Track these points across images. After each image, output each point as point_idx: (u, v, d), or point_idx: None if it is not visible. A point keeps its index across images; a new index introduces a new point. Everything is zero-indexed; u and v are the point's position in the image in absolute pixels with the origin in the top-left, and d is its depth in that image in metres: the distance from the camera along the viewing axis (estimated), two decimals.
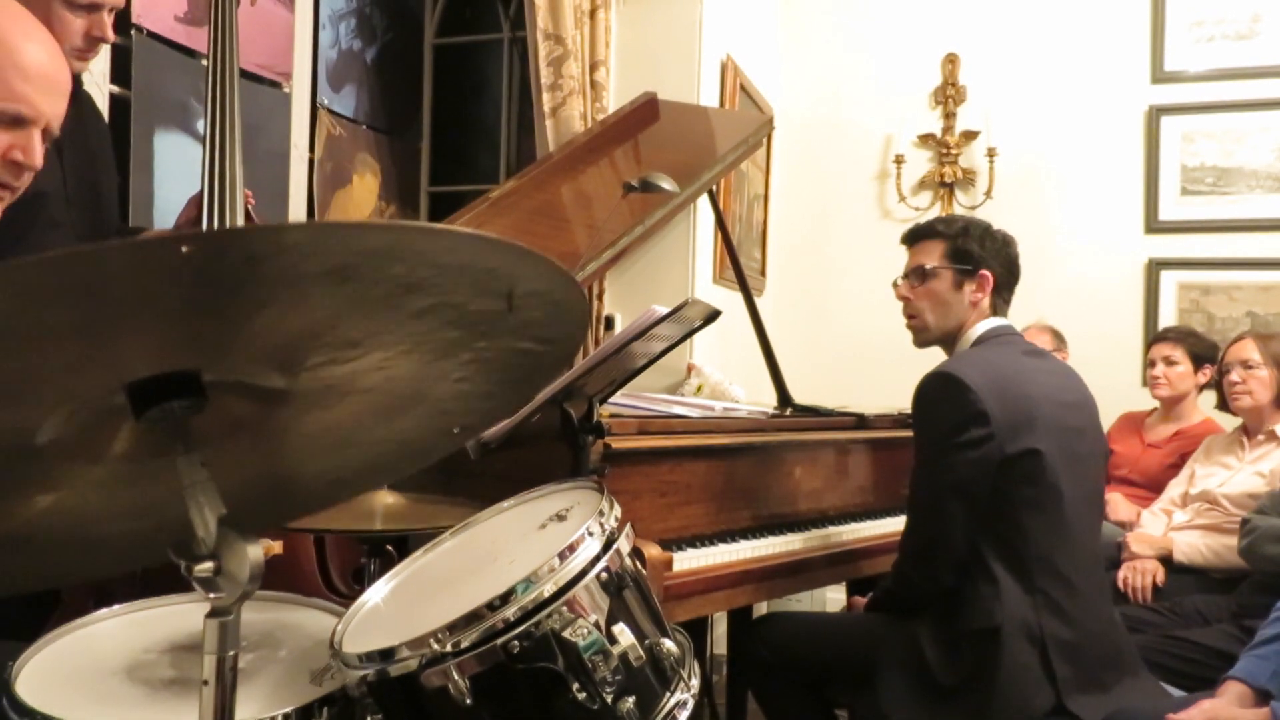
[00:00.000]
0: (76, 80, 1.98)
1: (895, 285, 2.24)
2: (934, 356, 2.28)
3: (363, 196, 3.91)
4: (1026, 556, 1.92)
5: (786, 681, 2.20)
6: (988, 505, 1.93)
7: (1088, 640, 1.93)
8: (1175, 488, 3.05)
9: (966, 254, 2.12)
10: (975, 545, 1.94)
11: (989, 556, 1.92)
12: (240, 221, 1.98)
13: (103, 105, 2.59)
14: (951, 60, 4.37)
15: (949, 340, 2.16)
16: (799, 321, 4.39)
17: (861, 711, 2.14)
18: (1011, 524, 1.93)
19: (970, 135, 4.33)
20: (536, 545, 1.18)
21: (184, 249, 0.54)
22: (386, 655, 1.04)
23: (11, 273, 0.52)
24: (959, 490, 1.93)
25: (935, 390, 1.99)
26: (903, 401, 2.93)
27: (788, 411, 2.73)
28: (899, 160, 4.36)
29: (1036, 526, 1.93)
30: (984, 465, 1.91)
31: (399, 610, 1.20)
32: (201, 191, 1.99)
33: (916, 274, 2.17)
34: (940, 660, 1.92)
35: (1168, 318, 4.06)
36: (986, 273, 2.11)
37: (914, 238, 2.23)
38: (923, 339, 2.21)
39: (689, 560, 1.98)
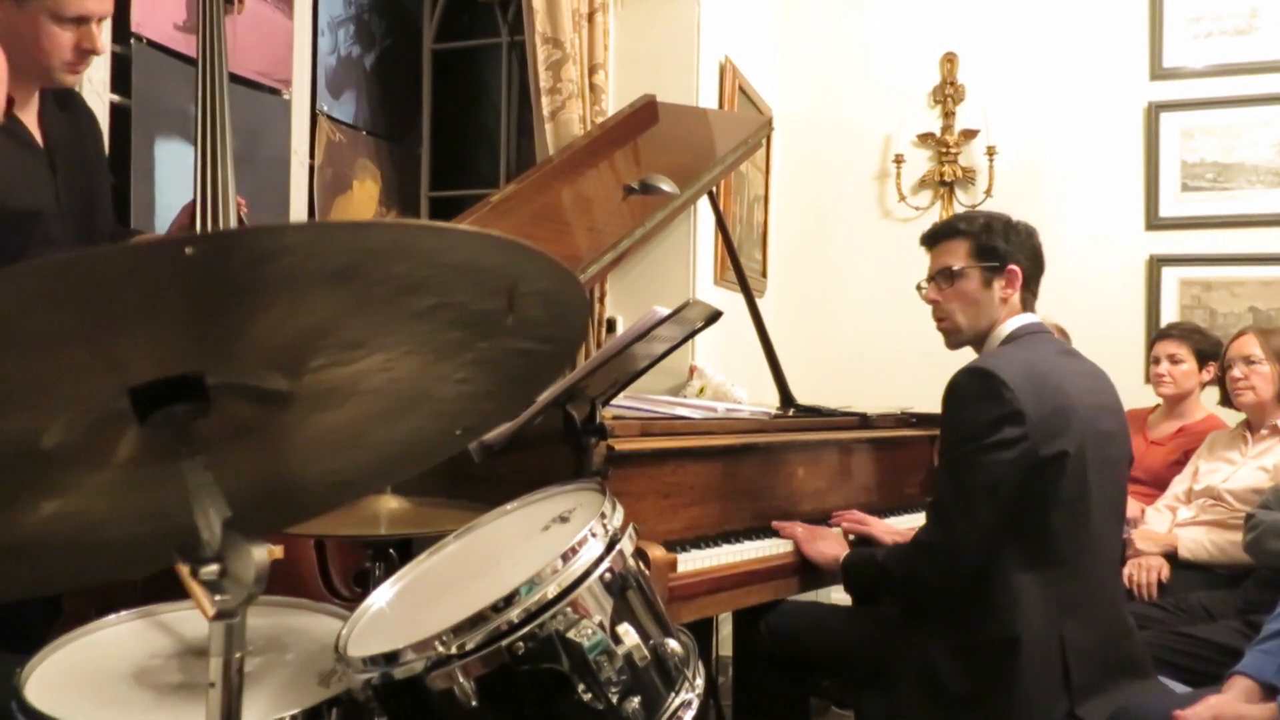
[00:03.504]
0: (71, 90, 1.99)
1: (920, 289, 2.16)
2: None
3: (363, 202, 3.91)
4: (1050, 561, 1.87)
5: (780, 678, 2.19)
6: (1015, 507, 1.86)
7: (1104, 646, 1.89)
8: (1179, 484, 3.05)
9: (992, 250, 2.04)
10: (996, 550, 1.87)
11: (1010, 562, 1.86)
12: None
13: (103, 114, 2.60)
14: (950, 59, 4.37)
15: (981, 340, 2.09)
16: (800, 322, 4.38)
17: (867, 712, 2.13)
18: (1038, 528, 1.87)
19: (970, 134, 4.32)
20: (539, 547, 1.18)
21: (187, 250, 0.55)
22: (391, 658, 1.05)
23: (16, 277, 0.53)
24: (989, 490, 1.85)
25: (972, 386, 1.90)
26: (904, 400, 2.94)
27: (790, 412, 2.73)
28: (899, 160, 4.36)
29: (1062, 531, 1.87)
30: (1016, 466, 1.84)
31: (403, 614, 1.21)
32: (194, 200, 1.99)
33: (944, 275, 2.09)
34: (954, 669, 1.88)
35: (1169, 314, 4.05)
36: (1014, 267, 2.04)
37: (935, 238, 2.14)
38: (955, 341, 2.14)
39: (693, 561, 1.98)
